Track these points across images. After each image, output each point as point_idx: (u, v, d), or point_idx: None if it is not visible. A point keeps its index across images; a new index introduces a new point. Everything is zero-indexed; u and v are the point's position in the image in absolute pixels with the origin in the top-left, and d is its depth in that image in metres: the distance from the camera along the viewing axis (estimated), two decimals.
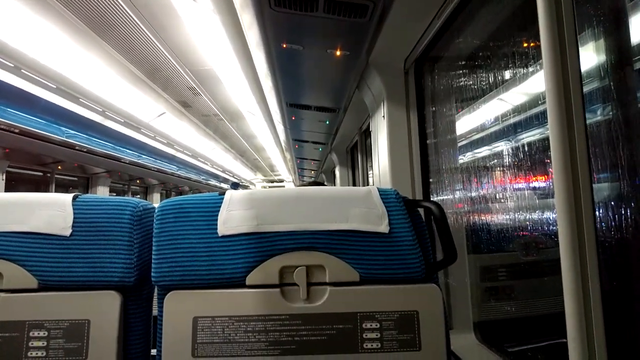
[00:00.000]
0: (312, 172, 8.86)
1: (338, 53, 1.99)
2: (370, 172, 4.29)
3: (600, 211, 0.98)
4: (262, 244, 0.80)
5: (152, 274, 0.82)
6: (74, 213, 0.89)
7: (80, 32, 3.56)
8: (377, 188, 0.84)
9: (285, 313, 0.78)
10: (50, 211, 0.88)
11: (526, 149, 1.49)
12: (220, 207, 0.83)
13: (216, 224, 0.82)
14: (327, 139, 4.76)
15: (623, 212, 0.95)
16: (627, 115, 0.96)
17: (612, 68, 1.00)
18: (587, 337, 0.88)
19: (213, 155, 10.23)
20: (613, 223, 0.97)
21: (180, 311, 0.79)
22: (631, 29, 0.97)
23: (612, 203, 0.97)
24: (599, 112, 1.01)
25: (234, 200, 0.83)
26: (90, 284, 0.86)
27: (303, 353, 0.76)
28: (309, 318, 0.77)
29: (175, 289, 0.81)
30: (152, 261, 0.83)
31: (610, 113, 0.99)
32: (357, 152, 4.80)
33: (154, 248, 0.83)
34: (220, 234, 0.81)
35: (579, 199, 0.91)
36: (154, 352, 0.89)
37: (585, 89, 0.97)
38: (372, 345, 0.77)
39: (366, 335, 0.77)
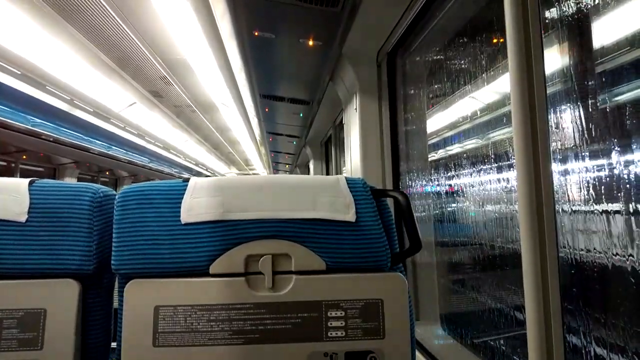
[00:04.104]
0: (287, 166, 8.85)
1: (310, 43, 1.98)
2: (344, 168, 4.31)
3: (560, 207, 1.01)
4: (227, 232, 0.79)
5: (112, 261, 0.80)
6: (30, 198, 0.85)
7: (46, 15, 3.44)
8: (345, 177, 0.84)
9: (250, 302, 0.77)
10: (4, 196, 0.85)
11: (492, 146, 1.51)
12: (184, 194, 0.81)
13: (179, 212, 0.80)
14: (301, 132, 4.75)
15: (581, 207, 0.98)
16: (587, 114, 0.99)
17: (575, 70, 1.02)
18: (545, 327, 0.91)
19: (186, 147, 10.10)
20: (572, 218, 1.00)
21: (141, 300, 0.77)
22: (593, 32, 1.00)
23: (571, 199, 1.00)
24: (560, 113, 1.04)
25: (198, 187, 0.81)
26: (47, 272, 0.83)
27: (267, 342, 0.75)
28: (274, 307, 0.77)
29: (136, 278, 0.79)
30: (112, 249, 0.80)
31: (572, 113, 1.01)
32: (332, 145, 4.80)
33: (114, 235, 0.81)
34: (183, 222, 0.79)
35: (540, 196, 0.95)
36: (114, 345, 0.86)
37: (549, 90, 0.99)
38: (336, 334, 0.76)
39: (331, 324, 0.77)
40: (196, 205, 0.80)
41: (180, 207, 0.80)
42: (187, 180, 0.83)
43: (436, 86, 2.03)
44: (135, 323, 0.76)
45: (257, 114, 3.95)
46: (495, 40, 1.49)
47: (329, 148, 5.16)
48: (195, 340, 0.75)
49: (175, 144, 9.34)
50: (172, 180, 0.85)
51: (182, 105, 6.73)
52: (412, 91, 2.18)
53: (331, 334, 0.76)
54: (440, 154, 2.03)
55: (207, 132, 9.52)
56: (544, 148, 0.96)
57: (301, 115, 3.74)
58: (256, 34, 1.92)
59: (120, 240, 0.80)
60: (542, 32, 1.00)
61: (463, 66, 1.72)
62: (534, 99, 0.97)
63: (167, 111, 7.09)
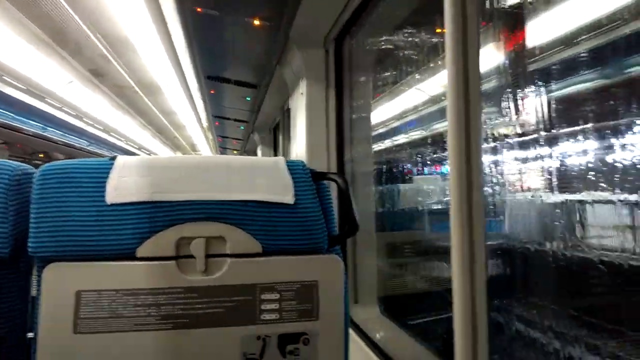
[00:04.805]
0: (235, 152, 8.73)
1: (257, 22, 1.94)
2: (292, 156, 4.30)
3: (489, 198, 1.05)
4: (157, 214, 0.75)
5: (30, 243, 0.74)
6: None
7: None
8: (285, 159, 0.83)
9: (181, 286, 0.74)
10: None
11: (431, 137, 1.55)
12: (110, 172, 0.77)
13: (105, 191, 0.76)
14: (249, 117, 4.68)
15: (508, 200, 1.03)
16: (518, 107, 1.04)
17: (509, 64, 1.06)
18: (472, 309, 0.96)
19: (128, 131, 9.73)
20: (499, 209, 1.05)
21: (61, 285, 0.72)
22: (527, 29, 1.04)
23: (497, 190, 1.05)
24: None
25: (127, 165, 0.77)
26: None
27: (198, 326, 0.73)
28: (206, 290, 0.74)
29: (56, 261, 0.74)
30: (30, 230, 0.75)
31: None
32: (280, 132, 4.77)
33: (32, 215, 0.75)
34: (109, 202, 0.75)
35: (471, 185, 0.99)
36: (31, 335, 0.81)
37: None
38: (270, 317, 0.75)
39: (265, 307, 0.75)
40: (123, 185, 0.75)
41: (106, 187, 0.76)
42: (114, 158, 0.79)
43: (382, 75, 2.05)
44: (54, 310, 0.72)
45: (203, 97, 3.85)
46: (439, 31, 1.51)
47: (277, 135, 5.12)
48: (119, 326, 0.72)
49: (116, 127, 8.97)
50: (98, 158, 0.80)
51: (124, 86, 6.45)
52: (359, 79, 2.19)
53: (264, 316, 0.75)
54: (385, 142, 2.07)
55: (151, 116, 9.20)
56: (476, 138, 0.99)
57: (248, 99, 3.68)
58: (199, 10, 1.86)
59: (39, 220, 0.74)
60: (480, 25, 1.03)
61: (408, 56, 1.74)
62: (469, 90, 1.00)
63: (108, 91, 6.78)
